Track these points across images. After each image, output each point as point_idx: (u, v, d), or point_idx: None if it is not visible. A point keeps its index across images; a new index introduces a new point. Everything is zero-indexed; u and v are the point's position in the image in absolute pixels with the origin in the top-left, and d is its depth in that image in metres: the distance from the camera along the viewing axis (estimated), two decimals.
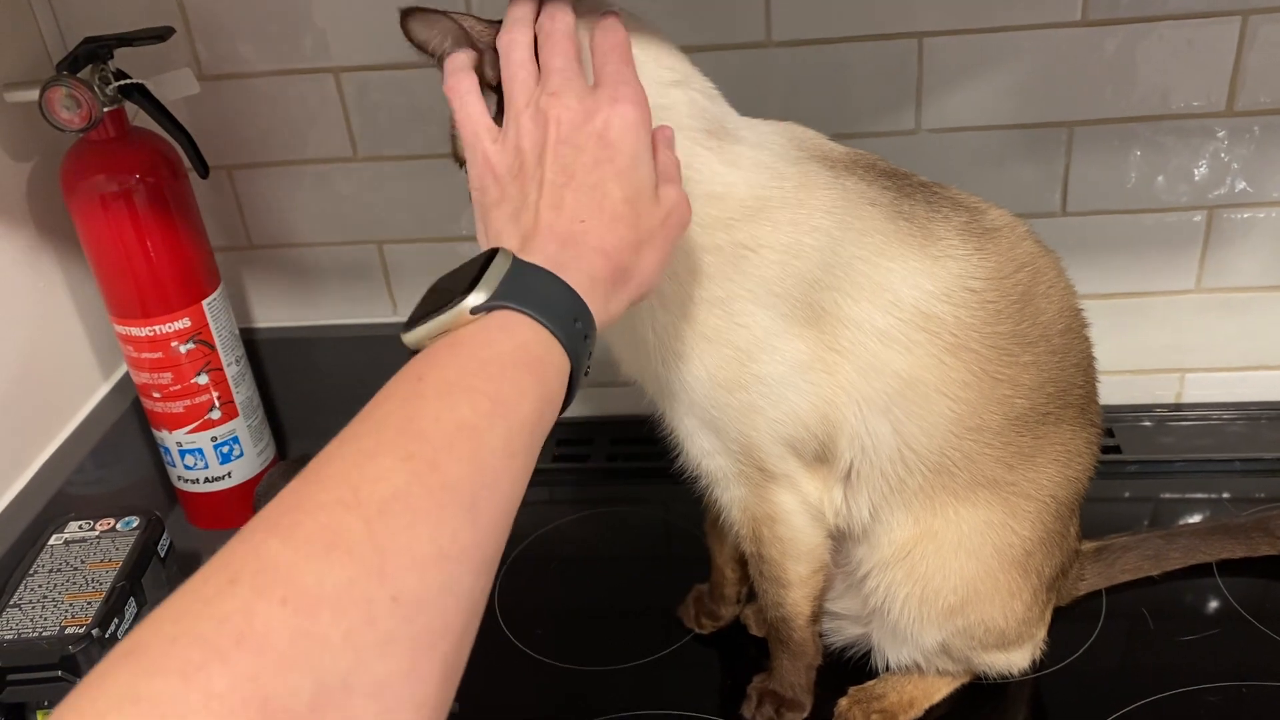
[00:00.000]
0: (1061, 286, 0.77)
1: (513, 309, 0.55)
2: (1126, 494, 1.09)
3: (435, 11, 0.68)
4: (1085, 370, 0.80)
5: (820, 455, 0.75)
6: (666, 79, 0.69)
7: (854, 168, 0.74)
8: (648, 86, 0.65)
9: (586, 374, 0.59)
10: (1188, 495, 1.08)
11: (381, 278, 1.18)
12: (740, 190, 0.69)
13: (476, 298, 0.55)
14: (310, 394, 1.23)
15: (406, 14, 0.67)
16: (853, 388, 0.72)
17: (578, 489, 1.17)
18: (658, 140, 0.65)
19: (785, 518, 0.77)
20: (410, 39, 0.68)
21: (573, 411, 1.23)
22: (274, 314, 1.22)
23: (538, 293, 0.56)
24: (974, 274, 0.72)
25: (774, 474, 0.75)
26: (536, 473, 1.20)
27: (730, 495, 0.78)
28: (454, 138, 0.72)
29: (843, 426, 0.73)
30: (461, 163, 0.72)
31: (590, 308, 0.58)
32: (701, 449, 0.76)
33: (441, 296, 0.57)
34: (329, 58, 1.07)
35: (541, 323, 0.55)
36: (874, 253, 0.70)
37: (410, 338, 0.57)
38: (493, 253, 0.58)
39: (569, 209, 0.60)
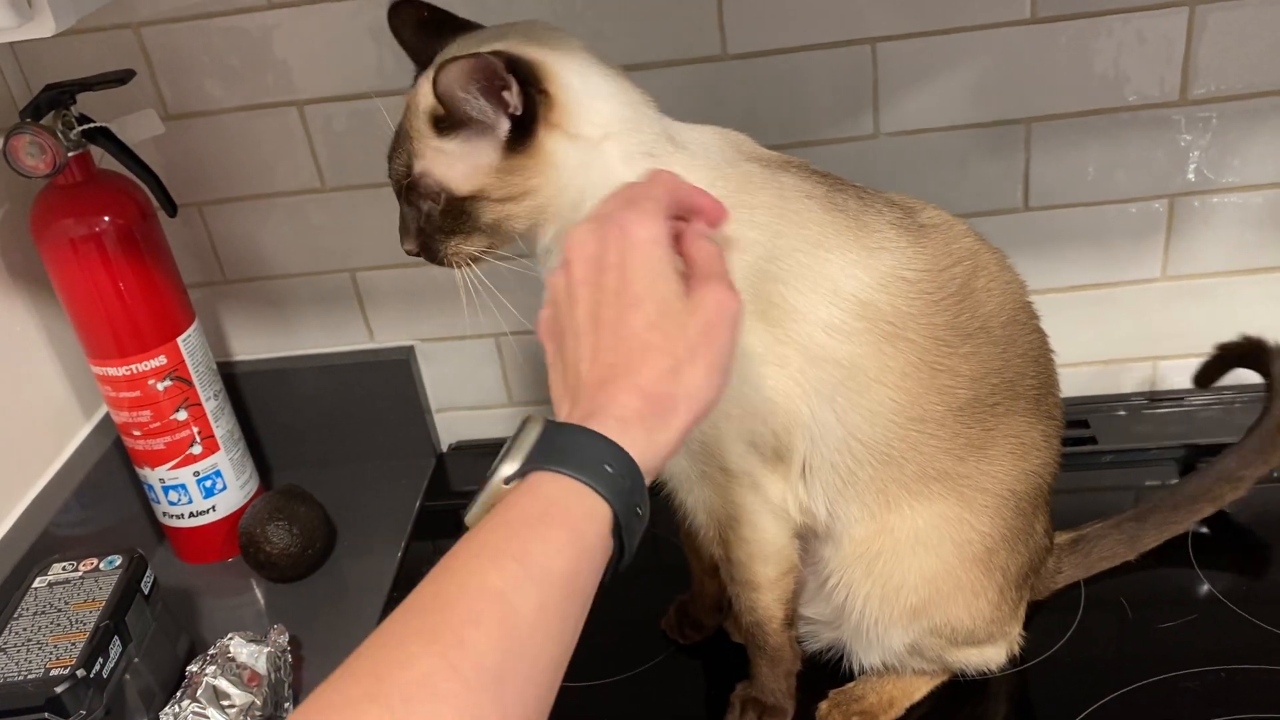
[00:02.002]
0: (1004, 280, 0.79)
1: (542, 469, 0.55)
2: (1104, 484, 1.10)
3: (466, 57, 0.67)
4: (1037, 362, 0.80)
5: (778, 452, 0.76)
6: (639, 99, 0.73)
7: (788, 167, 0.76)
8: (636, 107, 0.70)
9: (639, 516, 0.57)
10: (1164, 483, 1.08)
11: (356, 305, 1.19)
12: None
13: (508, 468, 0.56)
14: (291, 424, 1.24)
15: (441, 70, 0.67)
16: (803, 377, 0.73)
17: None
18: (688, 238, 0.63)
19: (750, 518, 0.77)
20: (439, 92, 0.68)
21: None
22: (252, 346, 1.23)
23: (566, 449, 0.56)
24: (909, 265, 0.74)
25: (735, 473, 0.76)
26: None
27: (695, 498, 0.79)
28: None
29: (796, 418, 0.74)
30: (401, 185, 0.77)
31: (628, 449, 0.56)
32: None
33: (488, 474, 0.58)
34: (292, 91, 1.08)
35: (569, 475, 0.55)
36: (812, 244, 0.72)
37: (468, 519, 0.58)
38: (526, 421, 0.58)
39: (600, 356, 0.59)
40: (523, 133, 0.70)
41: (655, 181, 0.64)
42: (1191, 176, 1.06)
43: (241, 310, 1.21)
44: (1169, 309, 1.12)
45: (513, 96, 0.69)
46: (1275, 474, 0.97)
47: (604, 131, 0.71)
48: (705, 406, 0.60)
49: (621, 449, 0.56)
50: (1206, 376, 1.04)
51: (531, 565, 0.52)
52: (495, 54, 0.67)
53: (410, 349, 1.20)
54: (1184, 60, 1.00)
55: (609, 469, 0.55)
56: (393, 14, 0.78)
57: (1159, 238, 1.09)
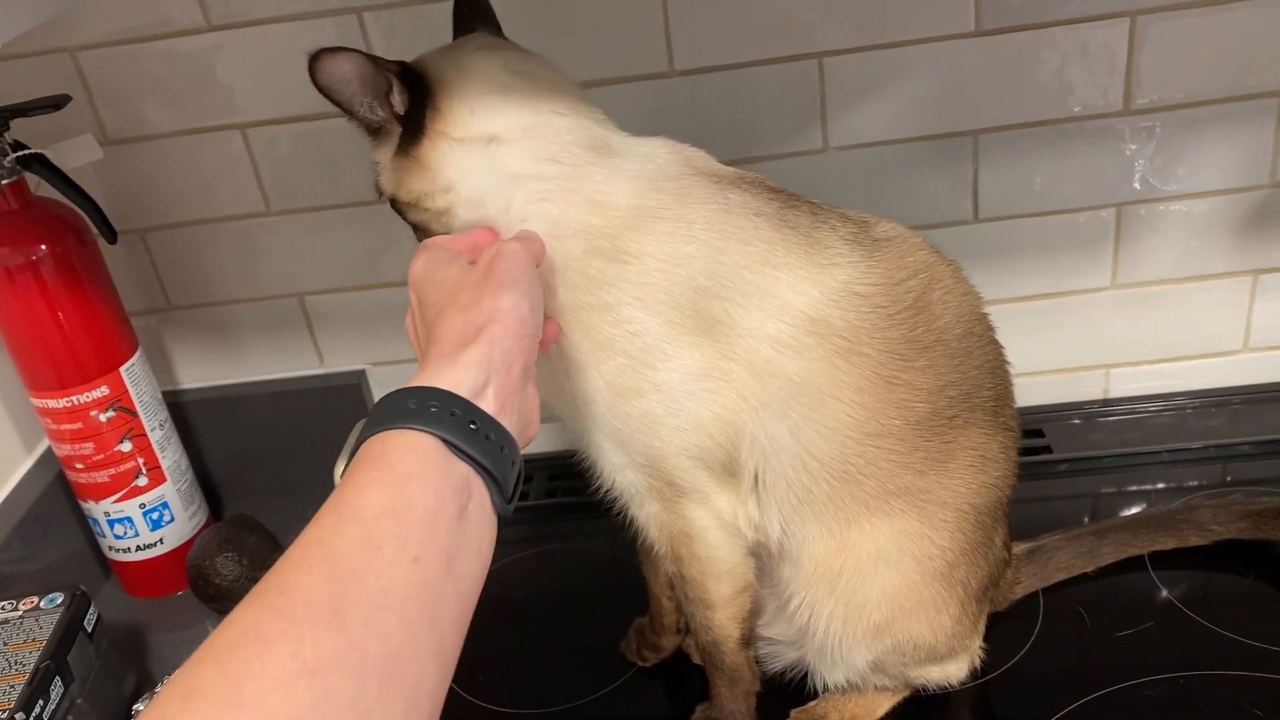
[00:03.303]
0: (960, 293, 0.78)
1: (362, 440, 0.58)
2: (1060, 493, 1.10)
3: (340, 49, 0.70)
4: (993, 374, 0.80)
5: (728, 467, 0.75)
6: (551, 108, 0.75)
7: (740, 183, 0.76)
8: (539, 114, 0.73)
9: (475, 430, 0.58)
10: (1120, 490, 1.09)
11: (305, 330, 1.17)
12: (619, 199, 0.72)
13: (340, 466, 0.59)
14: (242, 452, 1.21)
15: (313, 60, 0.69)
16: (750, 393, 0.73)
17: (518, 528, 1.16)
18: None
19: (701, 534, 0.77)
20: (319, 85, 0.70)
21: None
22: (199, 374, 1.20)
23: (373, 419, 0.58)
24: (862, 280, 0.74)
25: (684, 488, 0.75)
26: None
27: (646, 513, 0.79)
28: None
29: (744, 433, 0.74)
30: (381, 195, 0.79)
31: (426, 382, 0.59)
32: (612, 464, 0.77)
33: None
34: (234, 114, 1.06)
35: (374, 431, 0.57)
36: (759, 261, 0.72)
37: None
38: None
39: (422, 355, 0.67)
40: (415, 137, 0.74)
41: (426, 241, 0.73)
42: (1137, 185, 1.07)
43: (188, 337, 1.19)
44: (1120, 317, 1.13)
45: (397, 99, 0.73)
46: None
47: (494, 138, 0.73)
48: (515, 315, 0.64)
49: (420, 385, 0.59)
50: None
51: (344, 507, 0.53)
52: (392, 62, 0.72)
53: (362, 373, 1.19)
54: (1126, 70, 1.01)
55: (411, 405, 0.57)
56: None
57: (1107, 246, 1.10)
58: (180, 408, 1.19)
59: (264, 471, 1.22)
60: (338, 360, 1.19)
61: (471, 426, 0.58)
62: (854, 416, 0.74)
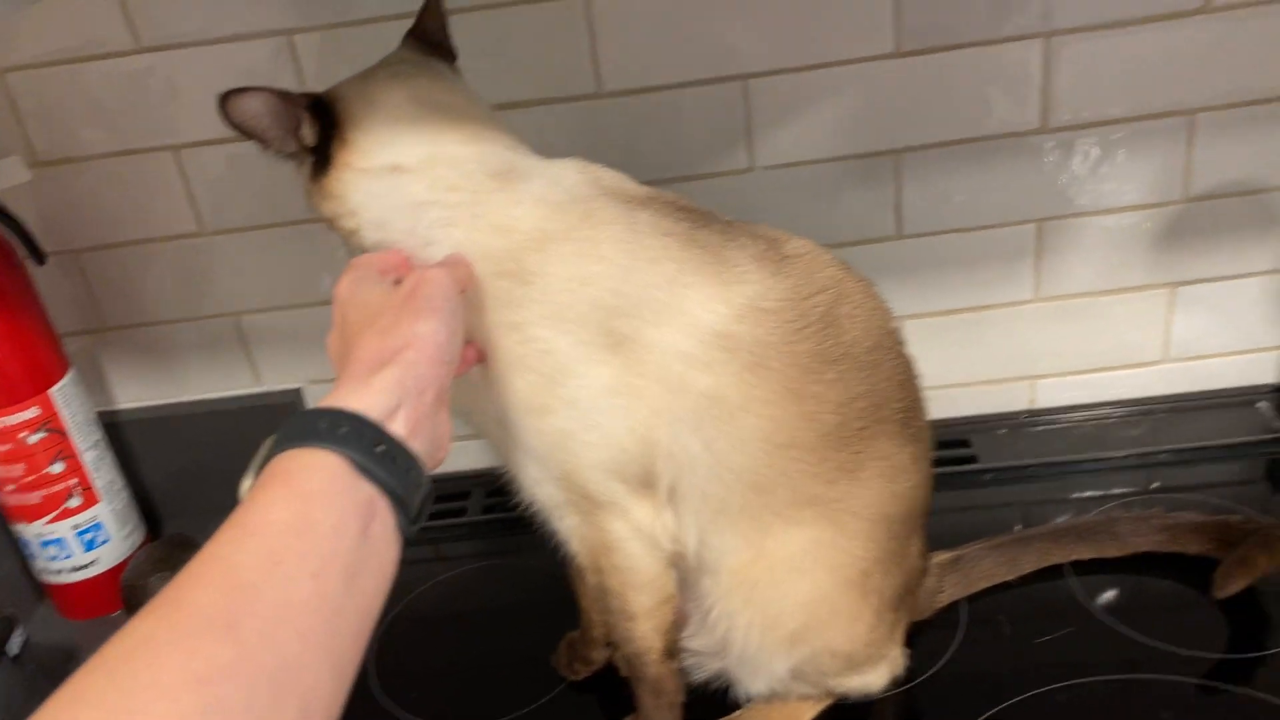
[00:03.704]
0: (869, 308, 0.80)
1: (268, 458, 0.59)
2: (986, 502, 1.13)
3: (249, 89, 0.73)
4: (903, 386, 0.82)
5: (644, 480, 0.77)
6: (453, 138, 0.77)
7: (650, 203, 0.77)
8: (439, 145, 0.75)
9: (382, 452, 0.59)
10: (1045, 499, 1.12)
11: (241, 350, 1.17)
12: (523, 223, 0.74)
13: (246, 482, 0.60)
14: (180, 471, 1.21)
15: (223, 100, 0.72)
16: (663, 408, 0.74)
17: (456, 544, 1.17)
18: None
19: (620, 545, 0.78)
20: (231, 122, 0.73)
21: (446, 466, 1.24)
22: (136, 394, 1.20)
23: (283, 437, 0.59)
24: (769, 296, 0.75)
25: (601, 501, 0.77)
26: None
27: (566, 525, 0.80)
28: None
29: (658, 446, 0.75)
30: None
31: (337, 404, 0.60)
32: (531, 478, 0.79)
33: None
34: (167, 136, 1.07)
35: (282, 449, 0.58)
36: (668, 279, 0.74)
37: None
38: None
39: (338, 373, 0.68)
40: (323, 168, 0.77)
41: (353, 260, 0.75)
42: (1057, 201, 1.09)
43: (124, 358, 1.19)
44: (1043, 329, 1.16)
45: (306, 132, 0.75)
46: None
47: (398, 168, 0.76)
48: (432, 341, 0.65)
49: (332, 406, 0.60)
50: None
51: (247, 523, 0.54)
52: (302, 96, 0.75)
53: (298, 391, 1.19)
54: (1042, 90, 1.04)
55: (321, 425, 0.58)
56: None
57: (1029, 260, 1.12)
58: (117, 427, 1.19)
59: (202, 490, 1.21)
60: (274, 379, 1.19)
61: (379, 449, 0.59)
62: (764, 428, 0.75)
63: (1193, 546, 0.97)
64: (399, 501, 0.59)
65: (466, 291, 0.73)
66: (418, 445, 0.62)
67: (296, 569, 0.52)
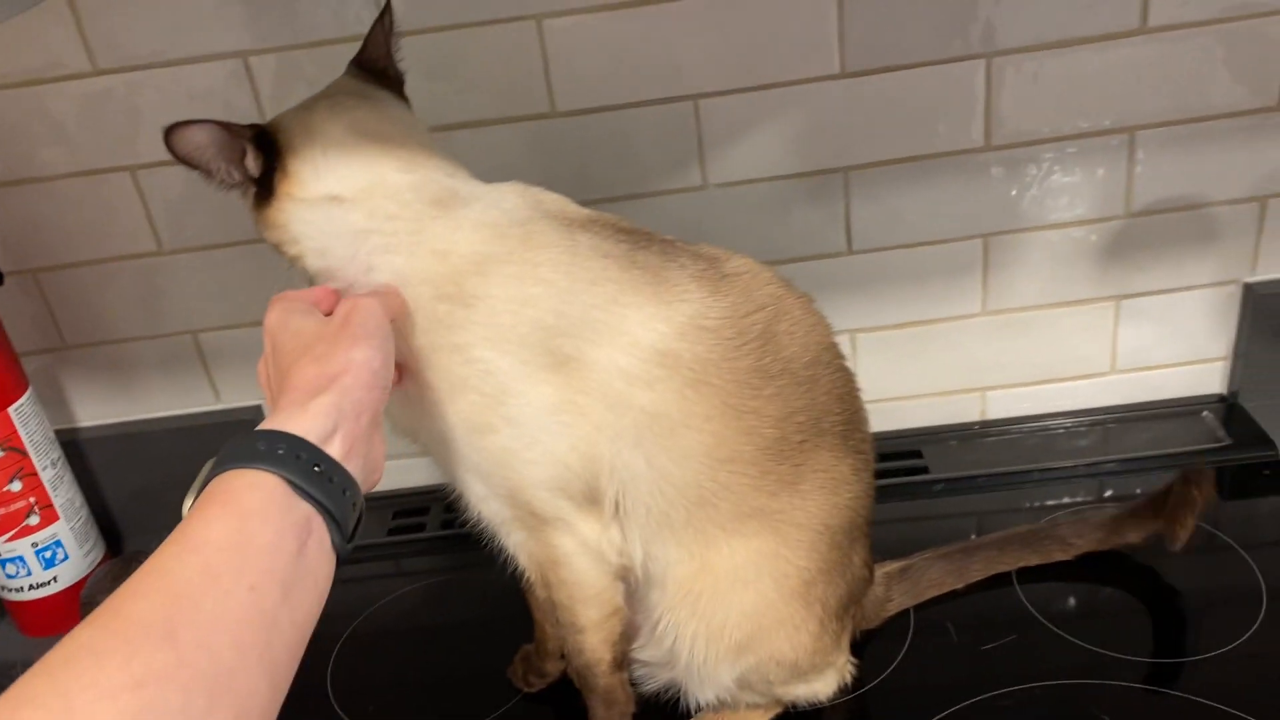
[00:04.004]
0: (808, 324, 0.82)
1: (209, 478, 0.61)
2: (937, 512, 1.15)
3: (194, 122, 0.74)
4: (843, 399, 0.84)
5: (589, 495, 0.78)
6: (391, 167, 0.78)
7: (591, 226, 0.79)
8: (377, 175, 0.76)
9: (320, 472, 0.61)
10: (995, 509, 1.14)
11: (201, 367, 1.18)
12: (462, 248, 0.76)
13: (188, 502, 0.62)
14: (140, 489, 1.22)
15: (168, 132, 0.73)
16: (605, 425, 0.76)
17: (415, 559, 1.18)
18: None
19: (567, 560, 0.80)
20: (177, 154, 0.75)
21: (405, 482, 1.25)
22: (96, 412, 1.21)
23: (223, 459, 0.61)
24: (708, 314, 0.77)
25: (546, 517, 0.78)
26: (372, 547, 1.21)
27: (513, 541, 0.82)
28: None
29: (601, 462, 0.77)
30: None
31: (277, 426, 0.62)
32: (476, 495, 0.80)
33: None
34: (125, 156, 1.08)
35: (221, 470, 0.60)
36: (608, 300, 0.75)
37: None
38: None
39: (274, 399, 0.70)
40: (266, 198, 0.79)
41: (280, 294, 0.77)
42: (1003, 216, 1.12)
43: (84, 376, 1.19)
44: (992, 341, 1.18)
45: (251, 164, 0.77)
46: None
47: (336, 198, 0.77)
48: (367, 368, 0.67)
49: (269, 429, 0.62)
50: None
51: (187, 540, 0.56)
52: (246, 127, 0.76)
53: (258, 408, 1.20)
54: (985, 109, 1.06)
55: (260, 447, 0.60)
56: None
57: (976, 275, 1.15)
58: (77, 445, 1.19)
59: (163, 507, 1.21)
60: (234, 396, 1.20)
61: (316, 469, 0.61)
62: (705, 444, 0.77)
63: (1134, 534, 0.99)
64: (334, 521, 0.61)
65: (396, 320, 0.75)
66: (353, 467, 0.64)
67: (234, 583, 0.54)
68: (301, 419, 0.63)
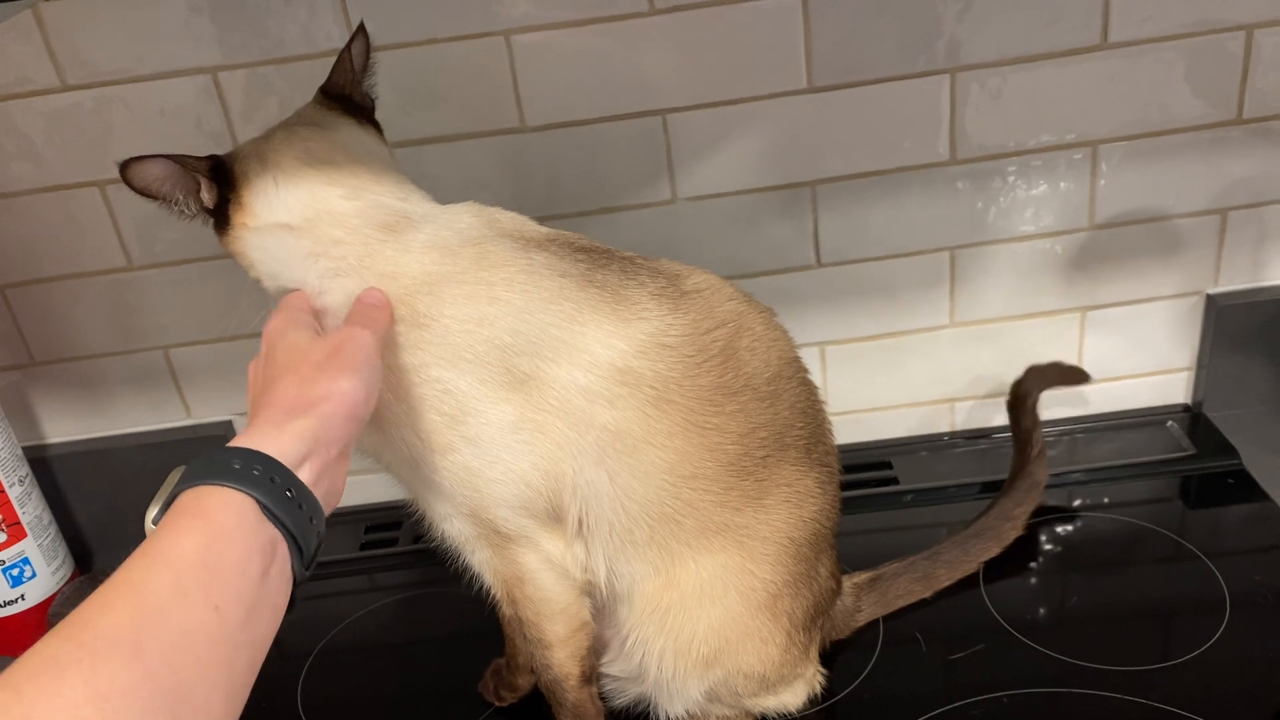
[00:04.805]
0: (770, 339, 0.83)
1: (178, 493, 0.61)
2: (908, 523, 1.15)
3: (149, 157, 0.75)
4: (805, 413, 0.85)
5: (552, 513, 0.79)
6: (336, 195, 0.79)
7: (548, 245, 0.80)
8: (324, 203, 0.78)
9: (291, 498, 0.62)
10: (965, 518, 1.14)
11: (171, 383, 1.18)
12: (411, 269, 0.77)
13: (153, 511, 0.63)
14: (110, 504, 1.21)
15: (124, 167, 0.75)
16: (567, 442, 0.76)
17: (388, 574, 1.18)
18: (362, 301, 0.75)
19: (531, 577, 0.80)
20: (134, 188, 0.76)
21: (378, 497, 1.25)
22: (65, 428, 1.20)
23: (195, 471, 0.61)
24: (668, 332, 0.78)
25: (510, 535, 0.79)
26: (344, 562, 1.20)
27: (478, 559, 0.82)
28: None
29: (564, 480, 0.77)
30: None
31: (255, 446, 0.63)
32: (439, 514, 0.81)
33: None
34: (94, 172, 1.08)
35: (195, 484, 0.60)
36: (565, 319, 0.76)
37: None
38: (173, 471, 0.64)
39: (252, 403, 0.72)
40: (221, 227, 0.81)
41: (288, 299, 0.78)
42: (969, 229, 1.13)
43: (53, 392, 1.19)
44: (961, 353, 1.19)
45: (205, 195, 0.79)
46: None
47: (286, 226, 0.78)
48: (350, 399, 0.68)
49: (248, 448, 0.63)
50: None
51: (158, 553, 0.56)
52: (203, 158, 0.78)
53: (229, 423, 1.20)
54: (950, 123, 1.08)
55: (236, 466, 0.61)
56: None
57: (944, 287, 1.16)
58: (46, 462, 1.19)
59: (133, 524, 1.21)
60: (205, 411, 1.20)
61: (288, 495, 0.62)
62: (667, 460, 0.77)
63: (1040, 471, 1.05)
64: (298, 547, 0.62)
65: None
66: (319, 493, 0.65)
67: (202, 601, 0.55)
68: (278, 440, 0.63)
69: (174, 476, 0.64)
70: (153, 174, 0.76)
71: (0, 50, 1.02)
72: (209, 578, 0.56)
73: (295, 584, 0.63)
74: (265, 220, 0.78)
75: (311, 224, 0.78)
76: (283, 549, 0.61)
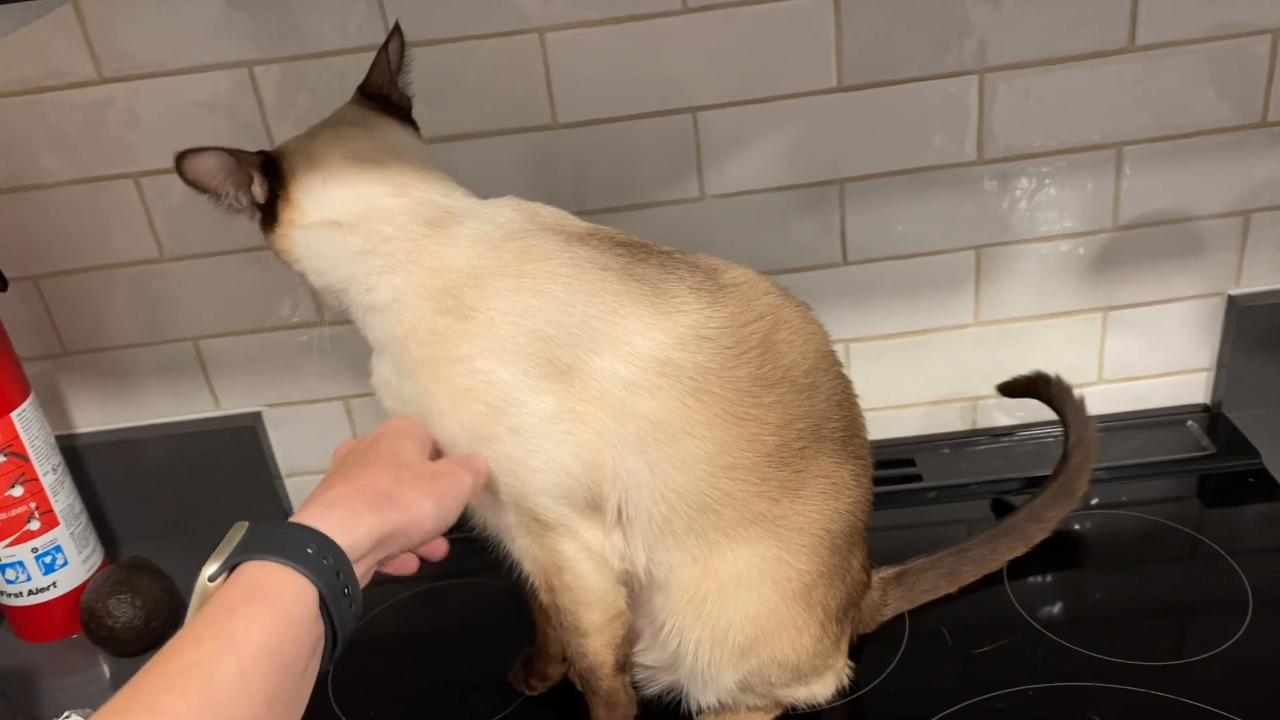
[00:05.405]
0: (807, 332, 0.84)
1: (246, 559, 0.61)
2: (930, 519, 1.16)
3: (205, 149, 0.77)
4: (841, 406, 0.86)
5: (592, 502, 0.80)
6: (384, 193, 0.81)
7: (589, 239, 0.81)
8: (372, 201, 0.79)
9: (347, 595, 0.63)
10: (986, 516, 1.15)
11: (200, 374, 1.19)
12: (457, 263, 0.78)
13: (211, 566, 0.62)
14: (139, 494, 1.22)
15: (180, 158, 0.76)
16: (608, 432, 0.77)
17: None
18: (472, 460, 0.77)
19: (570, 565, 0.81)
20: (187, 179, 0.77)
21: None
22: (95, 418, 1.21)
23: (268, 540, 0.62)
24: (707, 324, 0.79)
25: (550, 523, 0.80)
26: None
27: (518, 547, 0.83)
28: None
29: (604, 469, 0.78)
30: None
31: (328, 531, 0.63)
32: (481, 502, 0.82)
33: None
34: (128, 164, 1.09)
35: (269, 560, 0.60)
36: (606, 311, 0.77)
37: (186, 619, 0.62)
38: (235, 525, 0.65)
39: (332, 477, 0.72)
40: (269, 223, 0.82)
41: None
42: (995, 229, 1.14)
43: (83, 382, 1.20)
44: (983, 352, 1.20)
45: (258, 190, 0.80)
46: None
47: (335, 224, 0.80)
48: (420, 519, 0.70)
49: (321, 533, 0.63)
50: (1008, 390, 1.16)
51: (229, 639, 0.56)
52: (254, 153, 0.79)
53: (258, 415, 1.21)
54: (979, 123, 1.09)
55: (309, 550, 0.61)
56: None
57: (969, 286, 1.17)
58: (76, 451, 1.19)
59: (161, 513, 1.23)
60: (233, 403, 1.21)
61: (345, 592, 0.63)
62: (707, 451, 0.79)
63: (1082, 483, 1.05)
64: (335, 644, 0.63)
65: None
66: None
67: (261, 696, 0.56)
68: (351, 531, 0.65)
69: (237, 532, 0.64)
70: (207, 166, 0.77)
71: (36, 43, 1.03)
72: (270, 673, 0.57)
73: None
74: (313, 218, 0.80)
75: (361, 221, 0.79)
76: (322, 646, 0.62)
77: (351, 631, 0.65)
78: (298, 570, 0.60)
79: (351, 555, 0.64)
